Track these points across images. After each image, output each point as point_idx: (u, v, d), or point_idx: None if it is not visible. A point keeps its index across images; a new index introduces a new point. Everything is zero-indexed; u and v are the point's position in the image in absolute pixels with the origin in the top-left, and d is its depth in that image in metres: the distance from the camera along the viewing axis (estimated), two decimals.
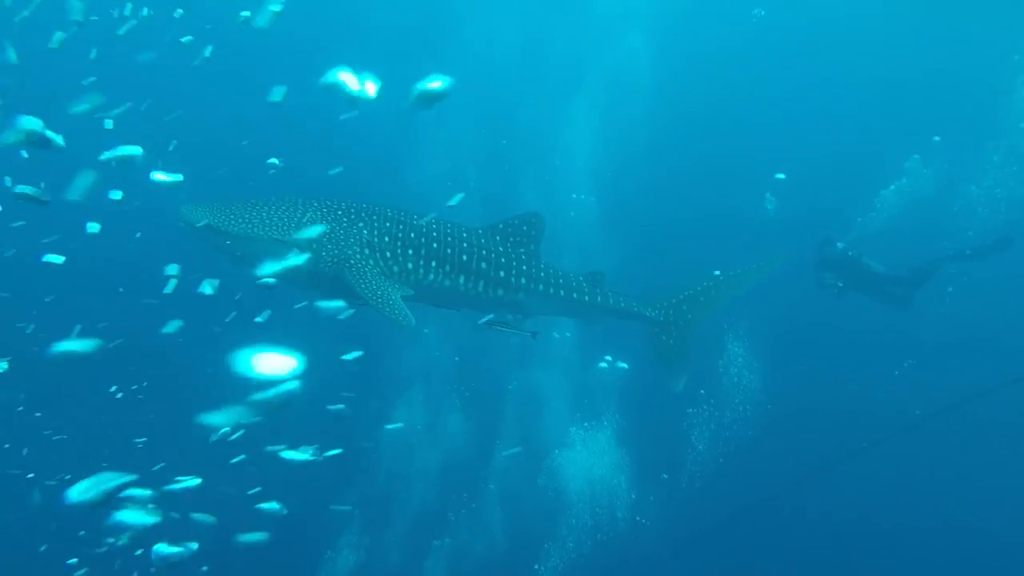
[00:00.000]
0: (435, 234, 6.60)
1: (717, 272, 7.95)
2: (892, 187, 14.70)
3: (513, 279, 6.92)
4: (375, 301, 5.89)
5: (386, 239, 6.36)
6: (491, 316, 6.72)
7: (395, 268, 6.38)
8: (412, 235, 6.47)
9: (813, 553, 12.87)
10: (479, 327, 6.62)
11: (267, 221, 5.96)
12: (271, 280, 5.99)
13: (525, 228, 7.06)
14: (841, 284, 10.86)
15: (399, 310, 5.89)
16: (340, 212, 6.31)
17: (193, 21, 11.48)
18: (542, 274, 7.10)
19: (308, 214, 6.10)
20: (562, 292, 7.22)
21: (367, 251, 6.23)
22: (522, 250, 7.08)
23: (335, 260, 6.09)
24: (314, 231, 6.02)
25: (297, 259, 5.90)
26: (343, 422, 6.07)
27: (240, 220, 5.92)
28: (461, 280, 6.70)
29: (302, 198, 6.28)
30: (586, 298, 7.37)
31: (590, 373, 11.63)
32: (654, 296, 7.83)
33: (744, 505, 12.63)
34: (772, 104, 21.44)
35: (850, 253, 10.97)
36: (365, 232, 6.29)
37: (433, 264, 6.55)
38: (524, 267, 6.99)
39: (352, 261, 6.12)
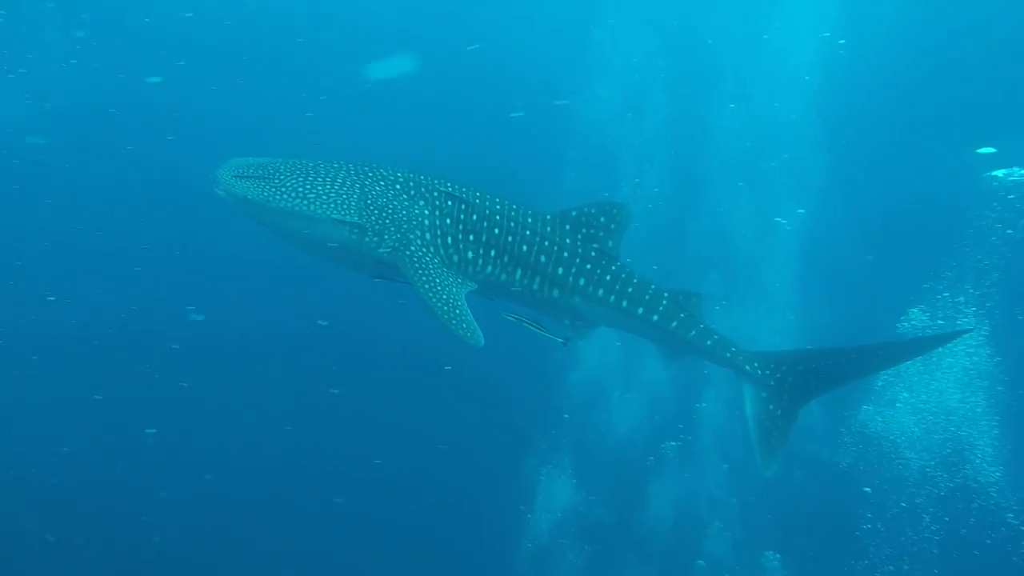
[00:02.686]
0: (498, 218, 5.82)
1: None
2: None
3: (571, 279, 5.97)
4: (440, 307, 5.15)
5: (447, 221, 5.66)
6: (518, 315, 5.81)
7: (455, 257, 5.70)
8: (475, 217, 5.74)
9: None
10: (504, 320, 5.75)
11: (322, 195, 5.25)
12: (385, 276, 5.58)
13: (603, 220, 6.00)
14: None
15: (467, 322, 5.09)
16: (399, 187, 5.61)
17: None
18: (607, 278, 6.04)
19: (368, 188, 5.43)
20: (624, 303, 6.07)
21: (427, 236, 5.55)
22: (594, 246, 6.04)
23: (395, 246, 5.39)
24: (377, 211, 5.37)
25: (356, 242, 5.39)
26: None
27: (291, 192, 5.21)
28: (518, 274, 5.90)
29: (354, 165, 5.65)
30: (654, 318, 6.11)
31: None
32: (771, 352, 6.20)
33: None
34: None
35: None
36: (427, 212, 5.60)
37: (492, 254, 5.80)
38: (587, 266, 6.00)
39: (412, 248, 5.44)
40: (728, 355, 6.12)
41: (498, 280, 5.87)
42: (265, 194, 5.19)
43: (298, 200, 5.19)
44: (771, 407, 6.05)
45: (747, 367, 6.08)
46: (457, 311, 5.18)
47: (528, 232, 5.85)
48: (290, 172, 5.36)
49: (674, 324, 6.09)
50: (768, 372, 6.06)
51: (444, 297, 5.24)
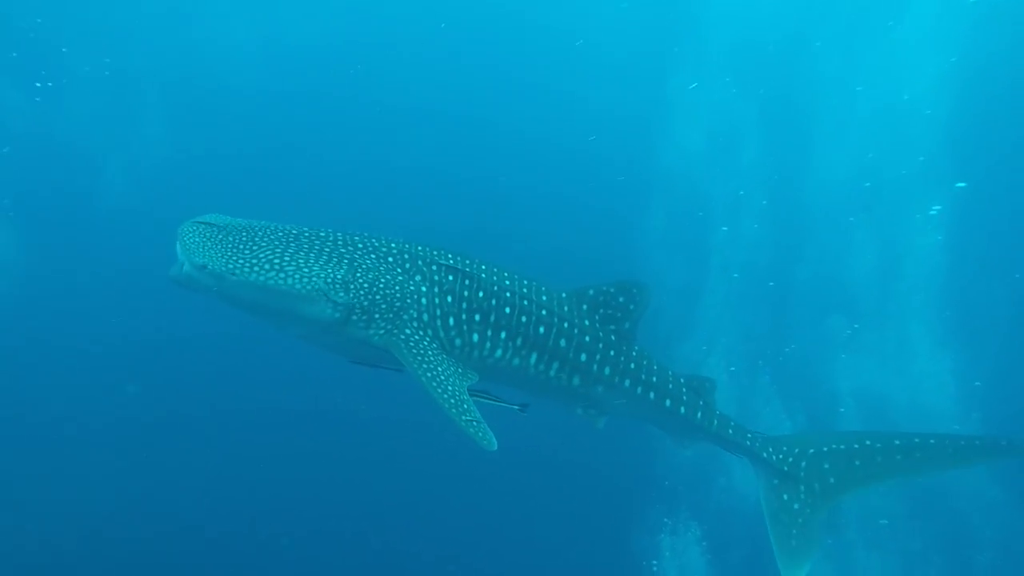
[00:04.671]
0: (508, 295, 5.10)
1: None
2: None
3: (596, 367, 5.40)
4: (447, 399, 4.50)
5: (448, 299, 4.94)
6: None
7: (457, 340, 4.98)
8: (481, 294, 5.02)
9: None
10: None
11: (303, 267, 4.50)
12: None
13: (622, 300, 5.52)
14: None
15: (477, 420, 4.44)
16: (392, 259, 4.86)
17: None
18: (631, 366, 5.57)
19: (358, 260, 4.72)
20: (652, 395, 5.63)
21: (425, 317, 4.84)
22: (612, 327, 5.52)
23: (388, 330, 4.69)
24: (367, 287, 4.61)
25: (340, 323, 4.62)
26: None
27: (265, 264, 4.45)
28: (532, 359, 5.22)
29: (341, 233, 4.95)
30: (681, 410, 5.72)
31: None
32: (783, 435, 5.89)
33: None
34: None
35: None
36: (424, 289, 4.88)
37: (503, 336, 5.08)
38: (611, 353, 5.48)
39: (407, 331, 4.74)
40: (747, 442, 5.79)
41: (509, 365, 5.20)
42: (231, 265, 4.41)
43: (272, 273, 4.43)
44: (785, 497, 5.63)
45: (763, 454, 5.74)
46: (465, 406, 4.52)
47: (544, 312, 5.25)
48: (264, 238, 4.62)
49: (699, 415, 5.74)
50: (781, 456, 5.73)
51: (450, 389, 4.58)
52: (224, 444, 9.92)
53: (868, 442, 5.60)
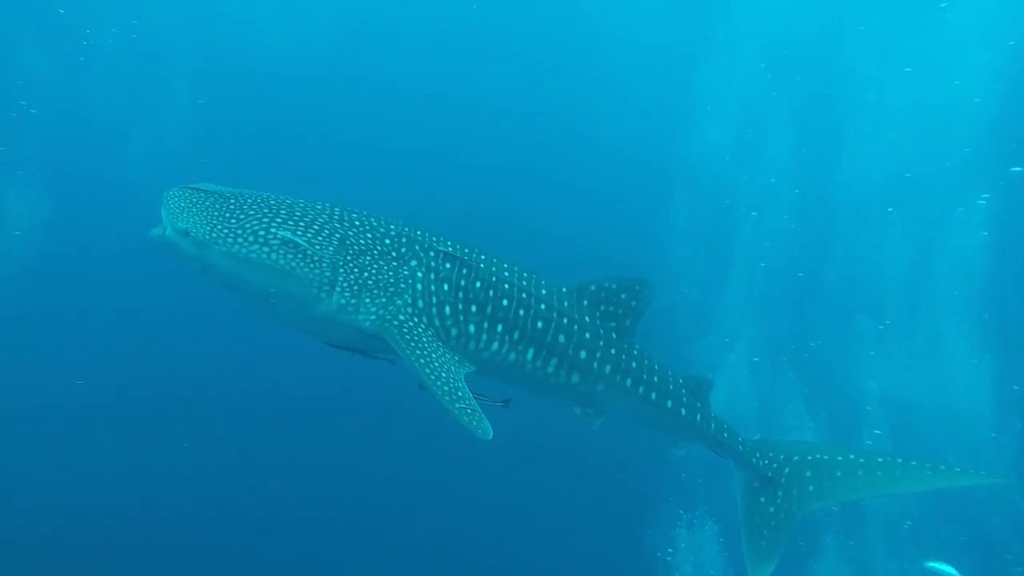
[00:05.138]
0: (507, 287, 4.87)
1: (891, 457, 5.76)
2: None
3: (596, 365, 5.16)
4: (441, 388, 4.26)
5: (445, 287, 4.70)
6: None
7: (453, 331, 4.74)
8: (478, 284, 4.79)
9: None
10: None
11: (290, 242, 4.24)
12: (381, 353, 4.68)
13: (624, 297, 5.32)
14: None
15: (472, 409, 4.22)
16: (389, 241, 4.62)
17: None
18: (632, 365, 5.32)
19: (351, 239, 4.48)
20: (653, 395, 5.39)
21: (420, 303, 4.62)
22: (613, 324, 5.30)
23: (381, 315, 4.46)
24: (357, 270, 4.40)
25: (325, 303, 4.34)
26: None
27: (249, 235, 4.17)
28: (530, 354, 4.96)
29: (339, 209, 4.60)
30: (682, 412, 5.54)
31: None
32: (770, 440, 6.09)
33: None
34: None
35: None
36: (420, 275, 4.66)
37: (500, 328, 4.82)
38: (612, 351, 5.24)
39: (401, 317, 4.53)
40: (739, 447, 5.78)
41: (505, 360, 4.93)
42: (214, 234, 4.13)
43: (256, 246, 4.16)
44: (762, 499, 5.77)
45: (752, 459, 5.80)
46: (459, 394, 4.32)
47: (543, 306, 4.98)
48: (253, 208, 4.32)
49: (698, 417, 5.64)
50: (766, 462, 5.82)
51: (444, 377, 4.36)
52: (223, 431, 9.90)
53: (852, 456, 5.72)
